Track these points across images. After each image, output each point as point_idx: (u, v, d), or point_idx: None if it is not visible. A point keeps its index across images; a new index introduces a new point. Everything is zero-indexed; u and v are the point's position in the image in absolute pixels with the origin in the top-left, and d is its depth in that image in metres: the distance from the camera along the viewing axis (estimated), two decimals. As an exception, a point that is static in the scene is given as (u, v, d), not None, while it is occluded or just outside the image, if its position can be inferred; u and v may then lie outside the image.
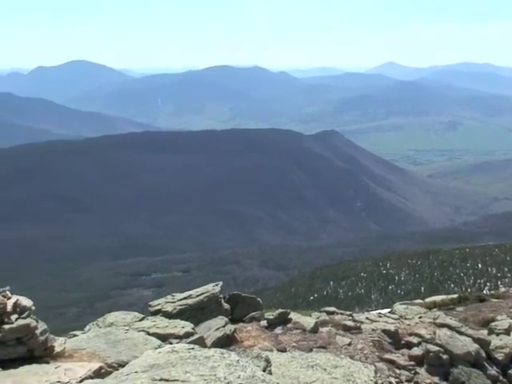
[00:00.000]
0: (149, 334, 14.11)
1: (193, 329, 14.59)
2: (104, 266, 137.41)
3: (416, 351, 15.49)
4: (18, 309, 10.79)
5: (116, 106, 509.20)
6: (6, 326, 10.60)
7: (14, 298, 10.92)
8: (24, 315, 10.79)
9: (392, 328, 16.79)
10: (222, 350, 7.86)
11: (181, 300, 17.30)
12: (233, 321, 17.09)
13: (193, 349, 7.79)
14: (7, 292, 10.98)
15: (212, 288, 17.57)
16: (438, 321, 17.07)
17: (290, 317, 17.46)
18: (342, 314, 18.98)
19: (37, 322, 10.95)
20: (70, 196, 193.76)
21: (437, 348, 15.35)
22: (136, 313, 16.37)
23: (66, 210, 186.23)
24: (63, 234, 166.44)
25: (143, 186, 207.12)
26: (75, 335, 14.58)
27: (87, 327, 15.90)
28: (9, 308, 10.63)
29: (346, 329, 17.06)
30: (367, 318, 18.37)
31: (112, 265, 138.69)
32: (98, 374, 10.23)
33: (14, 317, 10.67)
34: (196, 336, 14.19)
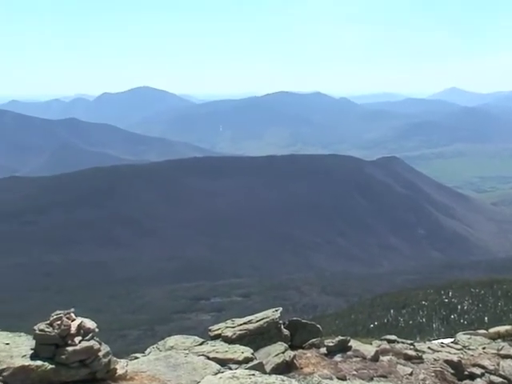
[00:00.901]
0: (208, 358, 14.16)
1: (252, 354, 14.58)
2: (165, 289, 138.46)
3: (479, 382, 15.14)
4: (82, 331, 10.97)
5: (178, 131, 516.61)
6: (70, 348, 10.78)
7: (79, 320, 11.12)
8: (87, 337, 10.97)
9: (455, 358, 16.43)
10: (282, 376, 7.85)
11: (240, 325, 17.30)
12: (292, 347, 17.00)
13: (253, 375, 7.80)
14: (72, 314, 11.19)
15: (272, 313, 17.53)
16: (502, 352, 16.66)
17: (349, 344, 17.24)
18: (403, 342, 18.65)
19: (100, 344, 11.11)
20: (135, 219, 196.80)
21: (500, 379, 14.98)
22: (196, 337, 16.46)
23: (130, 233, 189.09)
24: (127, 256, 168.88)
25: (204, 210, 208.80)
26: (136, 357, 14.75)
27: (148, 350, 16.06)
28: (73, 330, 10.83)
29: (408, 358, 16.76)
30: (429, 348, 18.01)
31: (173, 288, 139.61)
32: (160, 397, 10.30)
33: (77, 339, 10.86)
34: (255, 362, 14.17)
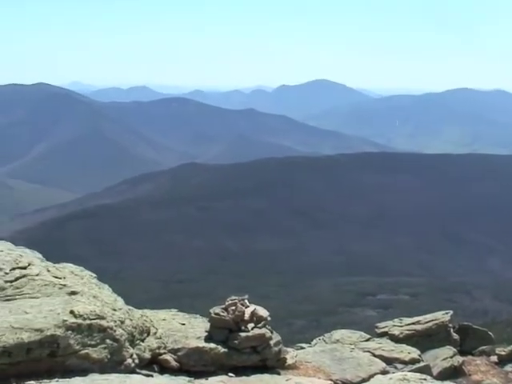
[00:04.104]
0: (374, 355, 14.23)
1: (419, 356, 14.49)
2: (332, 282, 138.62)
3: None
4: (255, 318, 11.47)
5: (353, 125, 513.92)
6: (243, 334, 11.32)
7: (252, 307, 11.62)
8: (260, 325, 11.45)
9: None
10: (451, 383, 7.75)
11: (408, 325, 17.19)
12: (461, 352, 16.67)
13: (425, 379, 7.75)
14: (246, 301, 11.72)
15: (442, 316, 17.27)
16: None
17: (523, 355, 16.63)
18: None
19: (271, 332, 11.56)
20: (306, 211, 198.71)
21: None
22: (362, 332, 16.58)
23: (302, 224, 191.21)
24: (297, 247, 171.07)
25: (376, 206, 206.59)
26: (302, 347, 15.15)
27: (314, 341, 16.40)
28: (246, 316, 11.35)
29: None
30: None
31: (340, 282, 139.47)
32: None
33: (250, 325, 11.37)
34: (422, 364, 14.07)
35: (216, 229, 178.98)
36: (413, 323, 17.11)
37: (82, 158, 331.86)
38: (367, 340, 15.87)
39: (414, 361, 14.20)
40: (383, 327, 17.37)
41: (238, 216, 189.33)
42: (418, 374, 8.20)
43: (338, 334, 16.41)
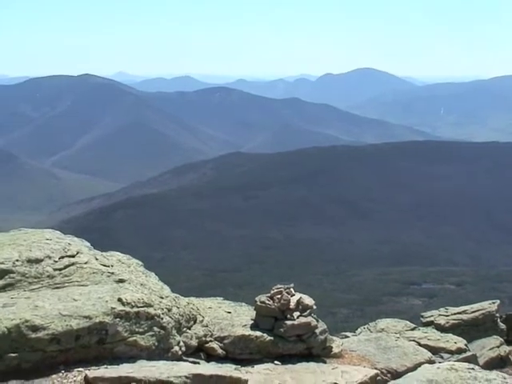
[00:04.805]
0: (419, 344, 14.18)
1: (465, 345, 14.37)
2: (377, 271, 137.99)
3: None
4: (301, 306, 11.52)
5: (397, 114, 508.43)
6: (289, 322, 11.39)
7: (297, 296, 11.68)
8: (305, 313, 11.50)
9: None
10: (504, 374, 7.69)
11: (454, 314, 17.06)
12: (508, 342, 16.48)
13: (473, 369, 7.70)
14: (291, 289, 11.78)
15: (488, 306, 17.09)
16: None
17: None
18: None
19: (317, 321, 11.60)
20: (350, 200, 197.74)
21: None
22: (407, 322, 16.51)
23: (346, 213, 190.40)
24: (341, 236, 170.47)
25: (421, 195, 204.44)
26: (346, 336, 15.17)
27: (358, 330, 16.41)
28: (292, 305, 11.41)
29: None
30: None
31: (384, 271, 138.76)
32: (374, 380, 10.52)
33: (296, 314, 11.43)
34: (468, 353, 13.96)
35: (260, 218, 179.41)
36: (459, 313, 16.97)
37: (127, 148, 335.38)
38: (412, 329, 15.81)
39: (460, 350, 14.10)
40: (429, 316, 17.27)
41: (281, 205, 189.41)
42: (465, 364, 8.13)
43: (382, 322, 16.39)
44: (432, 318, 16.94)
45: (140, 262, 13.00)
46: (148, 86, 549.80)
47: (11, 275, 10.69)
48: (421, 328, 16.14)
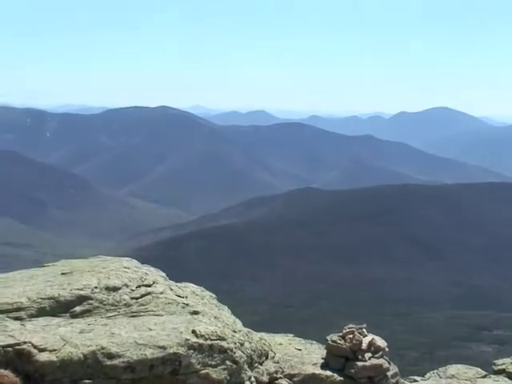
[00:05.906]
0: (491, 393, 13.81)
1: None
2: (447, 314, 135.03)
3: None
4: (373, 348, 11.42)
5: (472, 154, 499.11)
6: (360, 363, 11.30)
7: (370, 337, 11.58)
8: (377, 355, 11.38)
9: None
10: None
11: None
12: None
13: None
14: (364, 329, 11.69)
15: None
16: None
17: None
18: None
19: (389, 363, 11.46)
20: (422, 240, 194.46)
21: None
22: (479, 369, 16.10)
23: (417, 253, 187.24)
24: (411, 276, 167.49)
25: (495, 237, 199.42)
26: (415, 380, 14.90)
27: (428, 375, 16.08)
28: (364, 346, 11.32)
29: None
30: None
31: (455, 314, 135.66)
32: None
33: (367, 355, 11.32)
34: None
35: (329, 254, 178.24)
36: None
37: (201, 179, 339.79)
38: (484, 377, 15.42)
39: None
40: (501, 364, 16.79)
41: (351, 242, 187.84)
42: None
43: (453, 368, 16.02)
44: (504, 366, 16.47)
45: (213, 295, 13.15)
46: (223, 119, 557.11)
47: (89, 301, 10.99)
48: (492, 376, 15.73)
